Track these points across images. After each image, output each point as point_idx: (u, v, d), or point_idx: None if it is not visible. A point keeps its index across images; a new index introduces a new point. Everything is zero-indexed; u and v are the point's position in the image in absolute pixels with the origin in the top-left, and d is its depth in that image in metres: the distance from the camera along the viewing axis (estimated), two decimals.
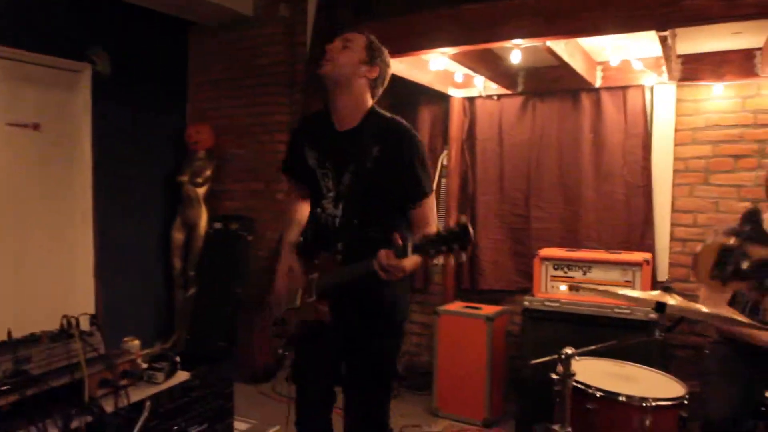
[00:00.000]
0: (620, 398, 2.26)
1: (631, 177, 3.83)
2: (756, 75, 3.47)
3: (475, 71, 3.56)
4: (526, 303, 3.60)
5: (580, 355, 2.21)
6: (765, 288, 1.01)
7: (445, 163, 4.48)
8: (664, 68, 3.61)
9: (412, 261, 1.80)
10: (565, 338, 3.40)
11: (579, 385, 2.32)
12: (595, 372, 2.50)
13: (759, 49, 3.42)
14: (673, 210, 3.77)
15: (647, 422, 2.21)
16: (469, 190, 4.40)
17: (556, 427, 2.18)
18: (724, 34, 3.19)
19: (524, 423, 3.47)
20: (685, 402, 2.28)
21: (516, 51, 2.89)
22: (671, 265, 3.77)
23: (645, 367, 2.62)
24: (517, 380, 3.69)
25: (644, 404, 2.22)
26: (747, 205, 3.57)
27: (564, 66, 3.24)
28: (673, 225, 3.78)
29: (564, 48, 3.06)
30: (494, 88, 4.14)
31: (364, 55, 2.00)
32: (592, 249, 3.80)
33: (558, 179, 4.07)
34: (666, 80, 3.67)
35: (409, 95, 4.27)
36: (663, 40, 2.66)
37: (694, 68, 3.58)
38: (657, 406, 2.23)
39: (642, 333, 3.29)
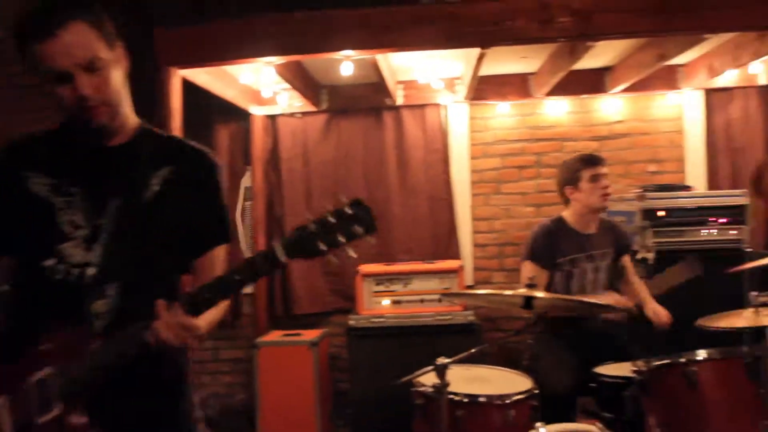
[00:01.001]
0: (480, 399, 2.30)
1: (434, 191, 4.05)
2: (531, 96, 3.95)
3: (292, 85, 3.40)
4: (352, 322, 3.54)
5: (452, 363, 2.19)
6: None
7: (248, 185, 4.20)
8: (457, 88, 3.91)
9: (211, 315, 1.30)
10: (393, 352, 3.47)
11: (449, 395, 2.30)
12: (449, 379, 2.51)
13: (533, 73, 3.91)
14: (473, 218, 4.08)
15: (511, 416, 2.28)
16: (276, 212, 4.19)
17: None
18: (511, 58, 3.56)
19: None
20: (535, 392, 2.43)
21: (347, 63, 2.83)
22: (475, 269, 4.07)
23: (491, 366, 2.73)
24: (352, 402, 3.58)
25: (506, 401, 2.29)
26: (531, 210, 4.05)
27: (373, 85, 3.29)
28: (474, 232, 4.08)
29: (381, 64, 3.10)
30: (297, 106, 4.03)
31: (104, 46, 1.26)
32: (406, 262, 3.90)
33: (366, 196, 4.10)
34: (460, 99, 3.98)
35: (201, 114, 3.91)
36: (480, 58, 2.84)
37: (481, 89, 3.94)
38: (515, 400, 2.32)
39: (464, 335, 3.46)
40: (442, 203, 4.04)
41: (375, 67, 3.10)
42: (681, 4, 2.42)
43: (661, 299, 2.89)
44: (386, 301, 3.66)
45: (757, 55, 3.11)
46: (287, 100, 4.00)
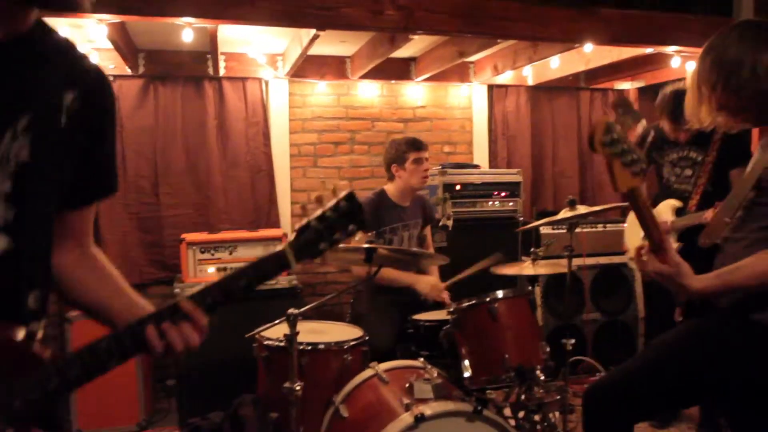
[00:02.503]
0: (320, 346, 2.58)
1: (254, 162, 4.18)
2: (347, 77, 4.29)
3: (115, 47, 3.25)
4: (177, 290, 3.54)
5: (301, 314, 2.43)
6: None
7: None
8: (279, 64, 4.08)
9: None
10: (220, 318, 3.55)
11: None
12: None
13: (350, 57, 4.25)
14: (292, 190, 4.31)
15: (348, 360, 2.60)
16: None
17: (290, 385, 2.33)
18: (332, 40, 3.84)
19: (190, 412, 3.44)
20: (366, 338, 2.78)
21: (187, 30, 2.83)
22: None
23: (324, 321, 3.01)
24: (180, 371, 3.59)
25: (343, 347, 2.59)
26: (345, 183, 4.40)
27: (193, 53, 3.29)
28: (292, 203, 4.31)
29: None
30: (110, 69, 3.83)
31: None
32: (227, 230, 3.99)
33: (186, 165, 4.08)
34: (281, 75, 4.15)
35: None
36: (313, 39, 3.07)
37: (302, 67, 4.15)
38: (350, 346, 2.64)
39: (289, 299, 3.70)
40: (263, 174, 4.19)
41: (199, 36, 3.14)
42: (485, 12, 2.93)
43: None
44: (212, 269, 3.72)
45: (530, 61, 3.84)
46: (98, 61, 3.77)
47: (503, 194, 4.03)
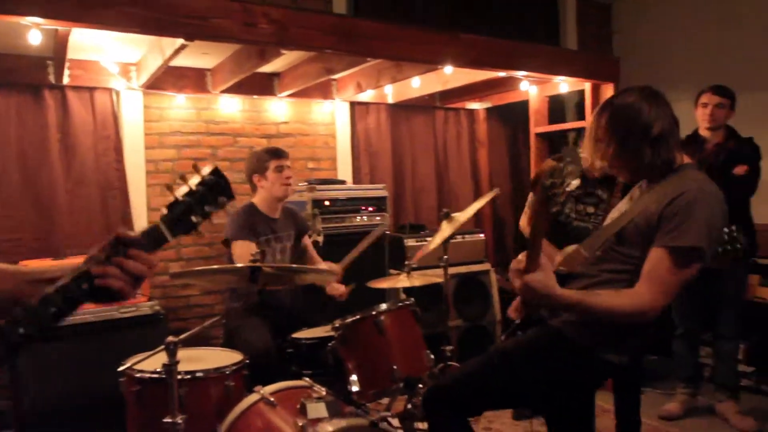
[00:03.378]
0: (198, 374, 2.43)
1: (106, 180, 3.84)
2: (208, 91, 4.11)
3: None
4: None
5: (183, 340, 2.27)
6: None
7: None
8: (133, 74, 3.80)
9: None
10: (70, 356, 3.17)
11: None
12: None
13: (210, 70, 4.08)
14: (150, 209, 4.02)
15: (230, 386, 2.47)
16: None
17: (172, 419, 2.17)
18: (193, 52, 3.66)
19: None
20: (246, 362, 2.66)
21: (35, 31, 2.53)
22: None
23: (197, 348, 2.83)
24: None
25: (224, 372, 2.46)
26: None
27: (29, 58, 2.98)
28: (149, 223, 4.00)
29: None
30: None
31: None
32: (75, 255, 3.60)
33: (24, 183, 3.63)
34: (134, 86, 3.86)
35: None
36: (179, 50, 2.91)
37: (158, 79, 3.91)
38: (231, 371, 2.52)
39: (151, 326, 3.44)
40: (115, 193, 3.86)
41: (44, 39, 2.83)
42: (357, 31, 2.99)
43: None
44: None
45: (393, 80, 3.98)
46: None
47: (370, 209, 4.12)
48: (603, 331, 1.78)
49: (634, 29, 4.87)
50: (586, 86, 4.16)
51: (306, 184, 3.99)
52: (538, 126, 4.64)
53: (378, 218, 4.15)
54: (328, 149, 4.69)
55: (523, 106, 4.79)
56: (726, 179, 3.22)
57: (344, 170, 4.73)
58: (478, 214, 5.34)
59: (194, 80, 4.08)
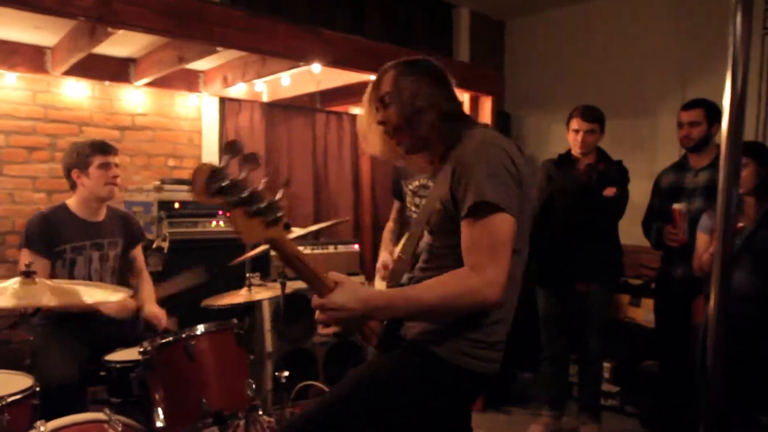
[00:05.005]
0: None
1: None
2: (47, 72, 3.62)
3: None
4: None
5: None
6: (232, 204, 1.20)
7: None
8: None
9: None
10: None
11: None
12: None
13: (51, 48, 3.60)
14: None
15: (4, 421, 2.07)
16: None
17: None
18: (22, 25, 3.20)
19: None
20: (36, 390, 2.26)
21: None
22: None
23: None
24: None
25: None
26: (42, 196, 3.72)
27: None
28: None
29: None
30: None
31: None
32: None
33: None
34: None
35: None
36: None
37: None
38: (9, 402, 2.12)
39: None
40: None
41: None
42: (194, 15, 2.65)
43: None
44: None
45: (259, 75, 3.67)
46: None
47: (228, 214, 3.75)
48: (460, 333, 1.54)
49: (524, 48, 4.84)
50: (465, 97, 4.03)
51: (158, 183, 3.58)
52: None
53: None
54: (193, 147, 4.30)
55: None
56: (597, 200, 3.17)
57: None
58: (358, 225, 5.13)
59: (30, 58, 3.57)
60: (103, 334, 2.73)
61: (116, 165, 2.81)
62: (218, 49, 3.00)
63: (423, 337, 1.59)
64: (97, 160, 2.74)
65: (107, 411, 2.15)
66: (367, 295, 1.39)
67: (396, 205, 3.13)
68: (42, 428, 2.00)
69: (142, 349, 2.20)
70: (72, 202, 2.80)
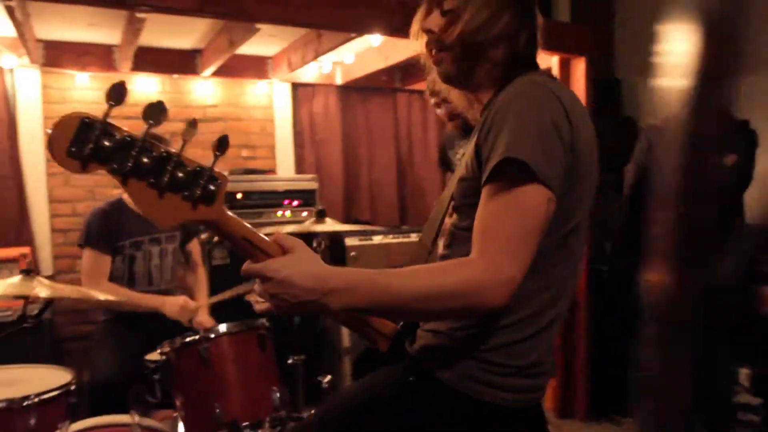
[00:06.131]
0: None
1: None
2: (116, 69, 3.66)
3: None
4: None
5: None
6: (121, 173, 0.84)
7: None
8: (22, 50, 3.39)
9: None
10: None
11: None
12: None
13: (117, 45, 3.63)
14: (51, 200, 3.62)
15: (32, 421, 2.02)
16: None
17: None
18: (81, 23, 3.22)
19: None
20: (72, 388, 2.21)
21: None
22: (56, 257, 3.63)
23: (28, 365, 2.40)
24: None
25: (25, 403, 2.02)
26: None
27: None
28: (52, 216, 3.62)
29: None
30: None
31: None
32: None
33: None
34: (28, 64, 3.45)
35: None
36: (10, 12, 2.45)
37: (57, 55, 3.49)
38: (41, 400, 2.07)
39: (28, 333, 3.04)
40: (9, 182, 3.47)
41: None
42: None
43: None
44: None
45: (317, 54, 3.42)
46: None
47: (295, 203, 3.59)
48: (471, 351, 1.12)
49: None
50: (553, 61, 3.51)
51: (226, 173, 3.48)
52: None
53: (305, 213, 3.61)
54: (266, 136, 4.18)
55: None
56: None
57: (285, 160, 4.22)
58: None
59: (99, 57, 3.63)
60: (160, 333, 2.67)
61: None
62: (258, 26, 2.78)
63: (423, 352, 1.21)
64: None
65: (134, 414, 2.03)
66: (326, 271, 0.98)
67: (447, 177, 2.75)
68: (65, 429, 1.91)
69: (162, 351, 2.06)
70: (127, 196, 2.76)
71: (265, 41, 3.60)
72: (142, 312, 2.65)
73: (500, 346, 1.11)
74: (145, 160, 0.91)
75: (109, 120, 0.91)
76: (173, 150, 0.93)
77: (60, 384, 2.16)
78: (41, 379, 2.27)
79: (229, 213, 1.01)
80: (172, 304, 2.63)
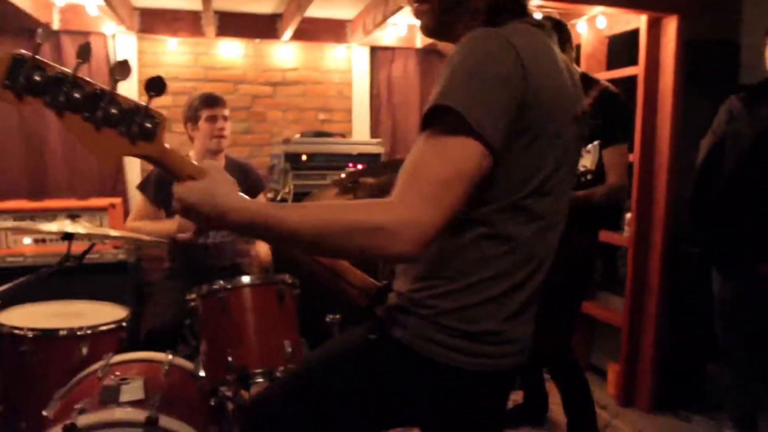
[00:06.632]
0: (60, 333, 2.25)
1: None
2: (203, 35, 3.88)
3: None
4: None
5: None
6: (55, 106, 0.90)
7: None
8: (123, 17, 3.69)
9: None
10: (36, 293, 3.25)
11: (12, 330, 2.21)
12: (35, 315, 2.43)
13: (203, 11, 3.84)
14: None
15: (84, 350, 2.27)
16: None
17: None
18: None
19: None
20: (124, 324, 2.44)
21: None
22: None
23: (94, 301, 2.68)
24: None
25: (79, 332, 2.26)
26: None
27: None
28: (142, 171, 3.96)
29: None
30: None
31: None
32: (62, 198, 3.67)
33: (18, 128, 3.74)
34: (125, 30, 3.76)
35: None
36: None
37: (150, 21, 3.77)
38: (94, 332, 2.30)
39: (116, 274, 3.41)
40: None
41: None
42: None
43: None
44: (28, 240, 3.42)
45: (385, 16, 3.39)
46: None
47: (360, 167, 3.62)
48: (425, 311, 1.11)
49: None
50: (641, 20, 3.20)
51: (293, 136, 3.61)
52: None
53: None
54: (343, 99, 4.24)
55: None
56: None
57: (360, 124, 4.26)
58: None
59: (188, 23, 3.86)
60: (202, 267, 2.83)
61: (225, 118, 2.86)
62: None
63: (386, 311, 1.21)
64: (205, 113, 2.83)
65: (169, 352, 2.21)
66: (226, 205, 0.98)
67: None
68: (107, 359, 2.12)
69: (190, 297, 2.21)
70: (192, 153, 2.95)
71: (343, 4, 3.63)
72: (197, 263, 2.84)
73: (454, 309, 1.09)
74: (77, 95, 0.95)
75: (82, 76, 0.97)
76: (106, 87, 0.98)
77: (114, 320, 2.41)
78: (100, 313, 2.54)
79: (170, 148, 1.03)
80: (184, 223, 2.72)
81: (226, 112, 2.87)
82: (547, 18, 2.01)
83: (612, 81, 3.60)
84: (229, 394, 2.12)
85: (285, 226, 0.96)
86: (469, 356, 1.10)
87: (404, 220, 0.92)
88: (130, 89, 3.88)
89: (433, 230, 0.93)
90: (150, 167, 3.90)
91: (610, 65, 3.70)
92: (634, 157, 3.14)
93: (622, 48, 3.82)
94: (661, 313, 3.13)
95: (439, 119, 0.96)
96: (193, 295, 2.19)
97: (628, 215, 3.24)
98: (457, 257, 1.08)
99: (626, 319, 3.21)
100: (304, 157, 3.52)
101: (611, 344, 3.42)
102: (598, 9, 3.18)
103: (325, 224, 0.94)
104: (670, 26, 3.16)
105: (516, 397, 3.07)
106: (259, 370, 2.05)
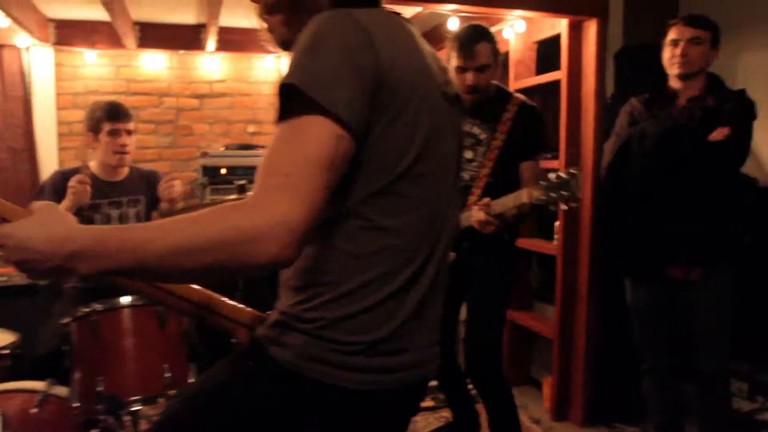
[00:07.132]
0: None
1: (14, 142, 3.68)
2: (123, 46, 3.76)
3: None
4: None
5: None
6: None
7: None
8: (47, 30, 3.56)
9: None
10: None
11: None
12: None
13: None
14: None
15: None
16: None
17: None
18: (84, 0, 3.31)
19: None
20: (8, 351, 2.30)
21: None
22: None
23: None
24: None
25: None
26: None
27: None
28: None
29: None
30: None
31: None
32: None
33: None
34: (40, 43, 3.63)
35: None
36: None
37: (67, 33, 3.64)
38: None
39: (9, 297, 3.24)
40: (24, 155, 3.69)
41: None
42: None
43: None
44: None
45: None
46: None
47: None
48: (305, 327, 0.97)
49: None
50: (562, 25, 3.14)
51: (210, 149, 3.49)
52: (518, 80, 3.65)
53: None
54: (273, 111, 4.12)
55: None
56: (701, 148, 2.18)
57: None
58: None
59: (107, 35, 3.73)
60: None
61: (129, 132, 2.71)
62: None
63: (265, 332, 1.04)
64: (107, 126, 2.67)
65: (50, 381, 2.07)
66: (63, 234, 0.84)
67: None
68: None
69: (64, 321, 2.06)
70: (93, 163, 2.80)
71: None
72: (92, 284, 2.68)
73: (339, 319, 0.95)
74: None
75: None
76: None
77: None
78: None
79: None
80: None
81: (131, 126, 2.72)
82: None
83: (539, 86, 3.56)
84: (111, 422, 1.97)
85: (136, 250, 0.81)
86: (360, 372, 0.95)
87: (265, 222, 0.79)
88: (46, 104, 3.74)
89: (300, 225, 0.80)
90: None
91: (541, 71, 3.63)
92: (559, 163, 3.06)
93: (552, 53, 3.77)
94: (593, 324, 3.03)
95: (287, 105, 0.85)
96: (69, 319, 2.05)
97: (557, 223, 3.15)
98: (334, 259, 0.95)
99: (557, 330, 3.11)
100: (223, 171, 3.39)
101: (549, 356, 3.32)
102: (517, 13, 3.10)
103: (182, 245, 0.80)
104: (591, 30, 3.10)
105: (447, 413, 2.95)
106: (136, 398, 1.91)
